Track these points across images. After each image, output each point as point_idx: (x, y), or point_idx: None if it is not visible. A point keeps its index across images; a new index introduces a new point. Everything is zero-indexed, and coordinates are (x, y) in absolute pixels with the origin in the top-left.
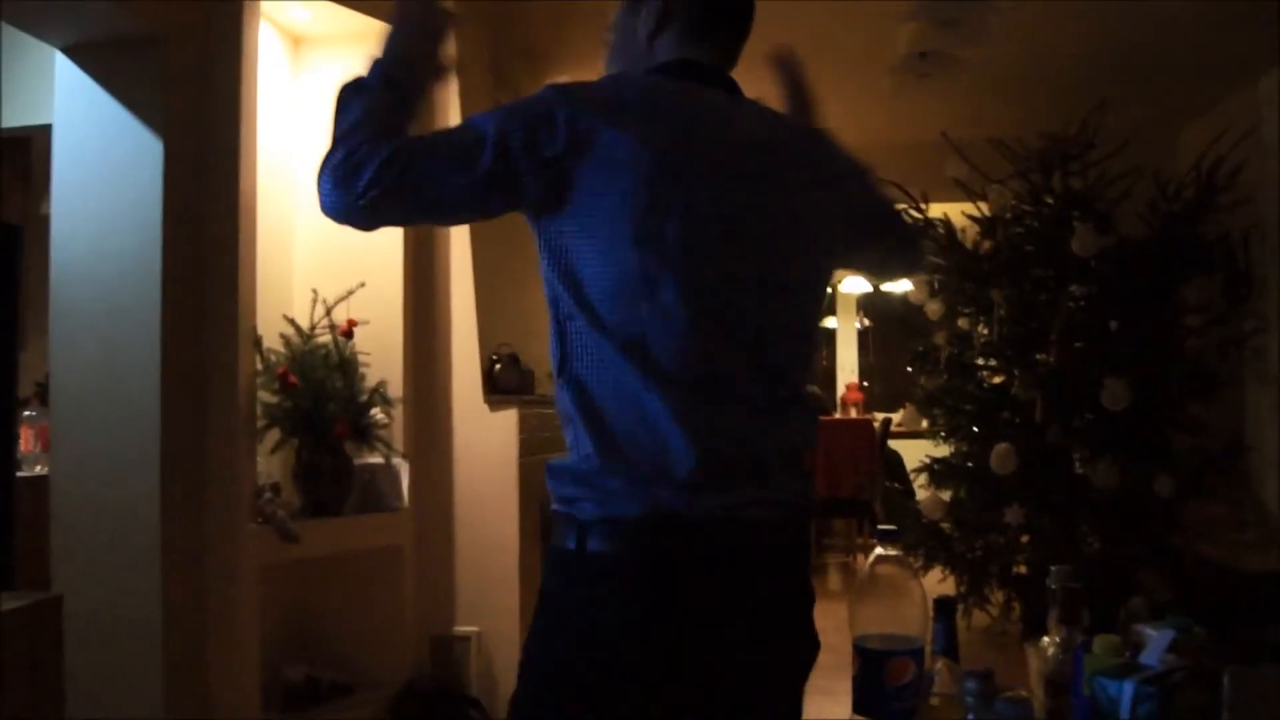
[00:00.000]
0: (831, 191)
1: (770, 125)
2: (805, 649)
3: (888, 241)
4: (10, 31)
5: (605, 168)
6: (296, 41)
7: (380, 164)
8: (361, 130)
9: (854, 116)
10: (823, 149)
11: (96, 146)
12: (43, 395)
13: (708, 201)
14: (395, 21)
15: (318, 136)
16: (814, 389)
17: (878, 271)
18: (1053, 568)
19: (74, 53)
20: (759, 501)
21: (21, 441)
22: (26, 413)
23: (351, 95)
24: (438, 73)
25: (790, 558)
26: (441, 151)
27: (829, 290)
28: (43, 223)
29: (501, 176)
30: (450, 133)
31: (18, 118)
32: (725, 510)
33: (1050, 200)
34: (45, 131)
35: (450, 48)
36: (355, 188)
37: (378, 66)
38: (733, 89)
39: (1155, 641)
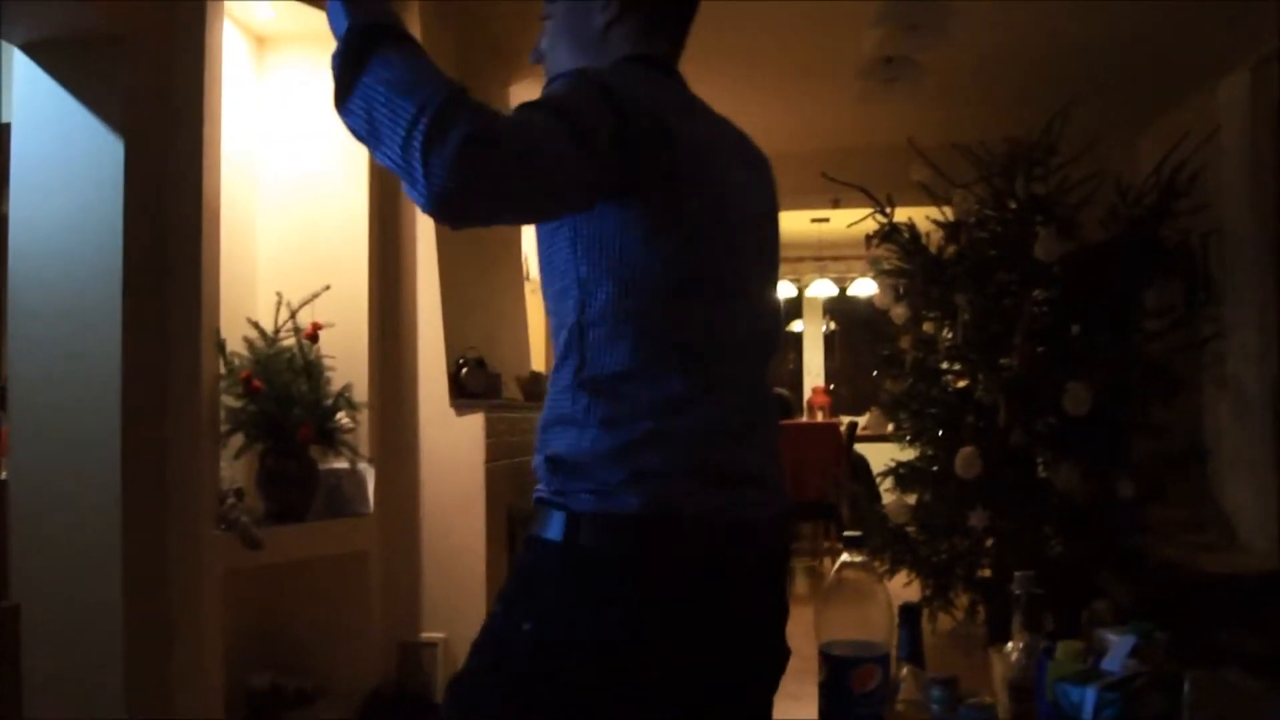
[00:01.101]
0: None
1: (740, 133)
2: (784, 655)
3: None
4: None
5: (674, 156)
6: (260, 41)
7: (506, 135)
8: (439, 87)
9: (821, 121)
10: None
11: (56, 146)
12: (0, 399)
13: (739, 203)
14: None
15: (281, 136)
16: (783, 391)
17: None
18: (1016, 573)
19: (33, 50)
20: (758, 501)
21: None
22: None
23: (388, 44)
24: None
25: (781, 559)
26: (569, 124)
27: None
28: (0, 222)
29: (621, 160)
30: (561, 101)
31: None
32: (728, 509)
33: (1013, 205)
34: (2, 130)
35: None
36: (480, 166)
37: (380, 17)
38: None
39: (1117, 647)
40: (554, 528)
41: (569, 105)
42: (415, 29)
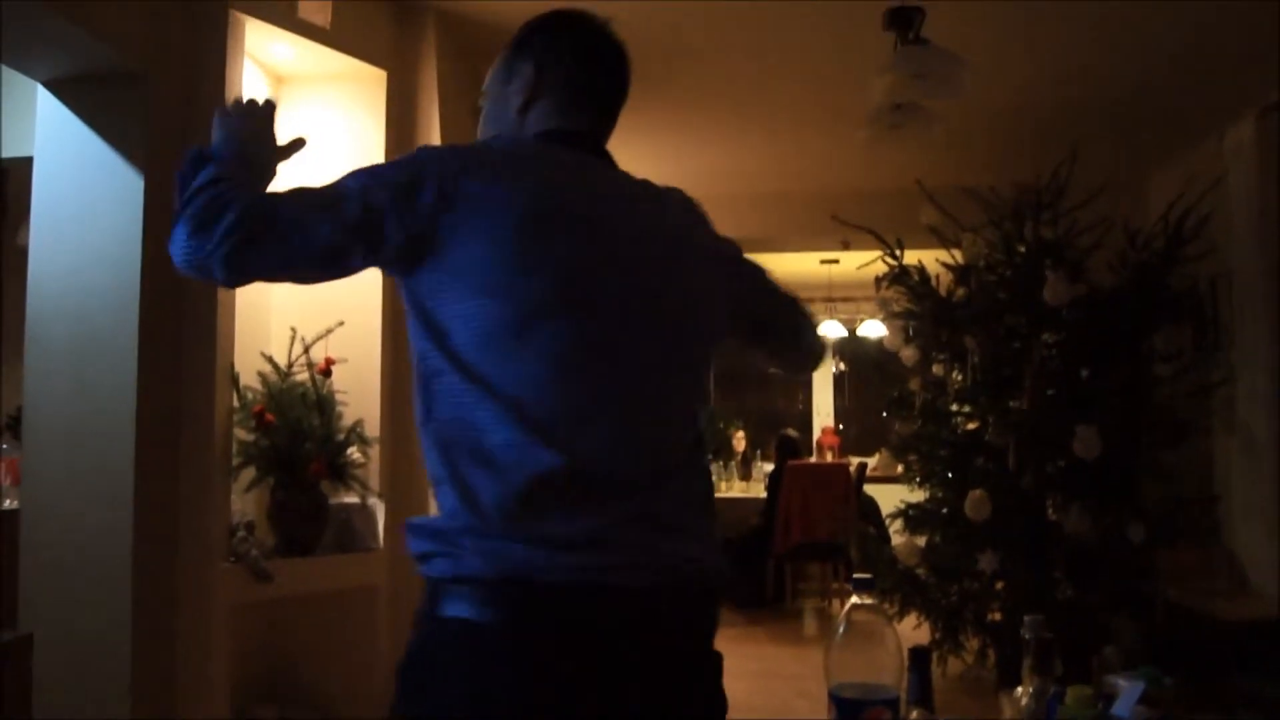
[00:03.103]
0: (707, 260)
1: (640, 190)
2: None
3: (775, 326)
4: None
5: (474, 218)
6: (279, 80)
7: (244, 208)
8: (220, 183)
9: (831, 164)
10: (695, 218)
11: (77, 180)
12: (14, 428)
13: (574, 254)
14: (220, 118)
15: (301, 175)
16: (791, 432)
17: (769, 358)
18: (1026, 617)
19: (56, 87)
20: (627, 566)
21: None
22: None
23: (200, 160)
24: (280, 149)
25: (677, 637)
26: (308, 200)
27: (709, 368)
28: (18, 254)
29: (365, 228)
30: (319, 187)
31: None
32: (585, 572)
33: (1022, 249)
34: (23, 164)
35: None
36: (215, 232)
37: (220, 143)
38: (603, 155)
39: (1127, 693)
40: (424, 597)
41: (311, 189)
42: (433, 67)
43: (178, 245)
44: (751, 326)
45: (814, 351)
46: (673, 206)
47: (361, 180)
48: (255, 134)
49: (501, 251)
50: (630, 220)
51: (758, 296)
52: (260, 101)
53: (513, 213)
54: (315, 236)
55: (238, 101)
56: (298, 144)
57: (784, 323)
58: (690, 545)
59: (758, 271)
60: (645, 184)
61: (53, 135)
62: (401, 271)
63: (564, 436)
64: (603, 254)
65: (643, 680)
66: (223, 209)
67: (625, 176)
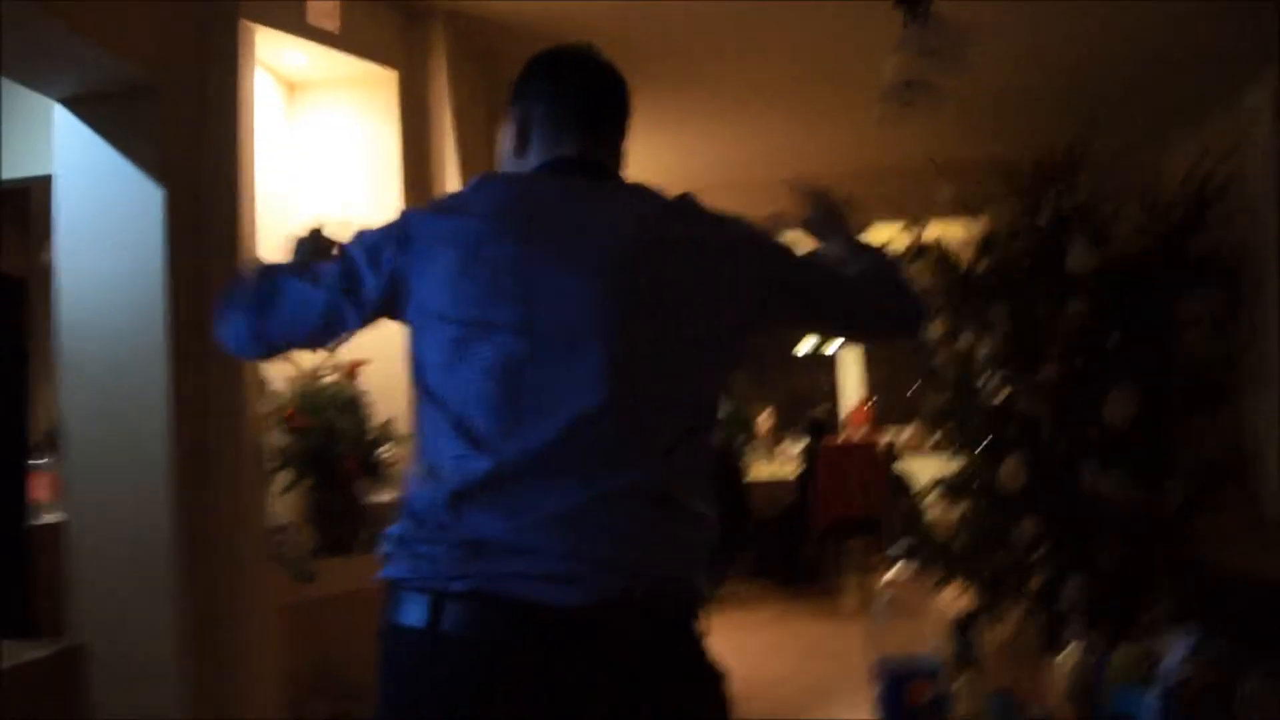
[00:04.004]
0: (705, 259)
1: (635, 204)
2: None
3: (834, 304)
4: (7, 84)
5: (427, 250)
6: (292, 87)
7: (260, 289)
8: (247, 279)
9: (848, 144)
10: (689, 220)
11: (98, 196)
12: (52, 443)
13: (512, 270)
14: (295, 244)
15: (314, 179)
16: (820, 413)
17: (861, 338)
18: (1069, 582)
19: (72, 104)
20: (541, 576)
21: (34, 489)
22: (37, 460)
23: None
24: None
25: (589, 648)
26: (306, 274)
27: (721, 364)
28: (43, 272)
29: (348, 286)
30: (320, 264)
31: (16, 169)
32: (493, 581)
33: (1045, 217)
34: (44, 183)
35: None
36: (240, 312)
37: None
38: (600, 174)
39: (1174, 652)
40: None
41: (312, 270)
42: (443, 67)
43: (216, 326)
44: (802, 311)
45: (900, 320)
46: (658, 212)
47: (348, 247)
48: (322, 254)
49: (447, 277)
50: (596, 231)
51: (796, 279)
52: (330, 232)
53: (456, 242)
54: (314, 303)
55: (314, 229)
56: None
57: (842, 300)
58: (624, 550)
59: (787, 255)
60: (631, 194)
61: (71, 153)
62: (395, 319)
63: (497, 445)
64: (549, 267)
65: (543, 697)
66: (243, 295)
67: (615, 190)
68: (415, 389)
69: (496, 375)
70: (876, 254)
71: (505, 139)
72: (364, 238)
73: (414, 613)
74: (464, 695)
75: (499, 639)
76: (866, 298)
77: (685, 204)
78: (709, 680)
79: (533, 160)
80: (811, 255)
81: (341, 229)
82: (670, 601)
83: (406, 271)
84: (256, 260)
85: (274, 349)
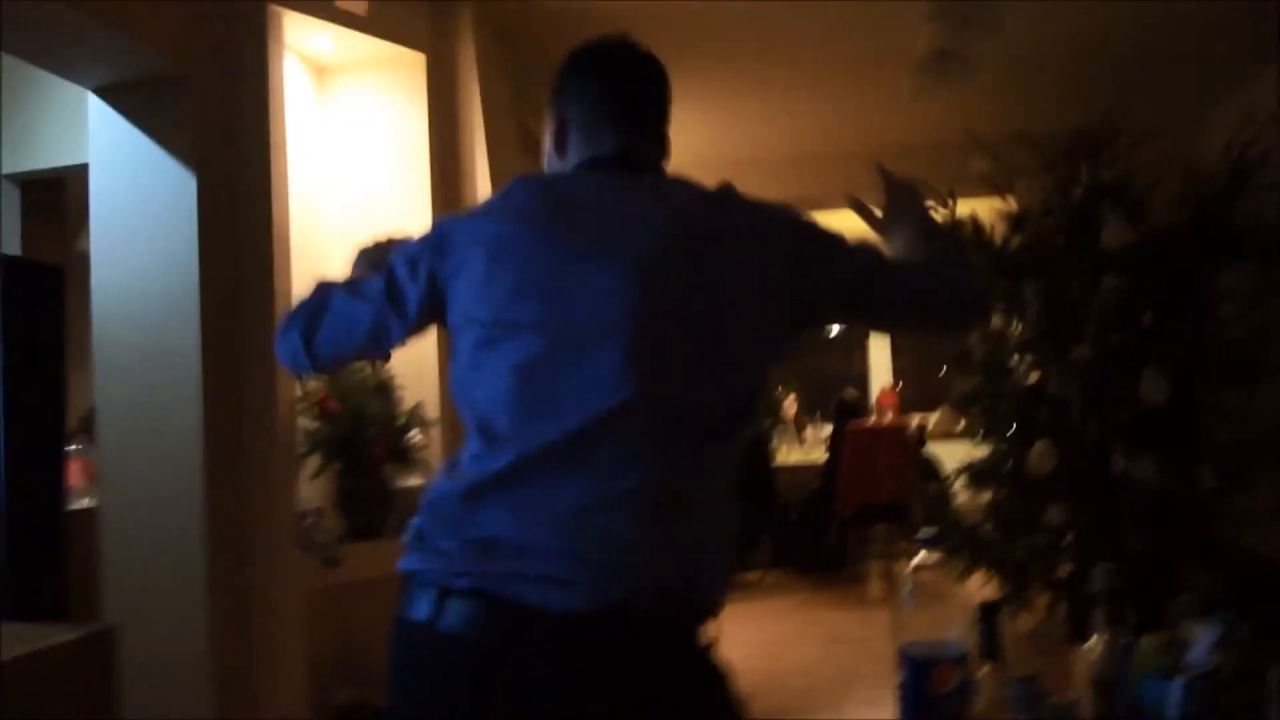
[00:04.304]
0: (753, 257)
1: (670, 197)
2: None
3: (883, 297)
4: (41, 75)
5: (462, 255)
6: (320, 70)
7: (311, 307)
8: (304, 298)
9: (877, 119)
10: (741, 215)
11: (132, 184)
12: (87, 429)
13: (537, 268)
14: (358, 254)
15: (344, 162)
16: (850, 393)
17: (911, 331)
18: (1097, 568)
19: (105, 93)
20: (541, 579)
21: (70, 475)
22: (73, 446)
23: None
24: None
25: (597, 661)
26: (354, 290)
27: (758, 360)
28: (80, 260)
29: (392, 298)
30: (367, 278)
31: (51, 159)
32: (493, 580)
33: (1079, 192)
34: (79, 171)
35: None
36: (294, 330)
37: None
38: (637, 168)
39: (1202, 639)
40: None
41: (359, 285)
42: (470, 49)
43: (276, 346)
44: (846, 302)
45: (953, 315)
46: (693, 204)
47: (390, 259)
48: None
49: (476, 280)
50: (626, 227)
51: (840, 268)
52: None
53: (485, 244)
54: (361, 317)
55: (377, 240)
56: None
57: (891, 291)
58: (630, 555)
59: (832, 243)
60: (667, 187)
61: (106, 142)
62: (440, 325)
63: (512, 442)
64: (574, 262)
65: (538, 701)
66: (297, 314)
67: (651, 184)
68: (451, 391)
69: (517, 373)
70: (943, 244)
71: (548, 139)
72: (405, 249)
73: (421, 607)
74: (462, 692)
75: (494, 639)
76: (918, 290)
77: (723, 194)
78: (708, 691)
79: (572, 159)
80: (861, 243)
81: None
82: (673, 611)
83: (444, 278)
84: (317, 278)
85: (325, 364)
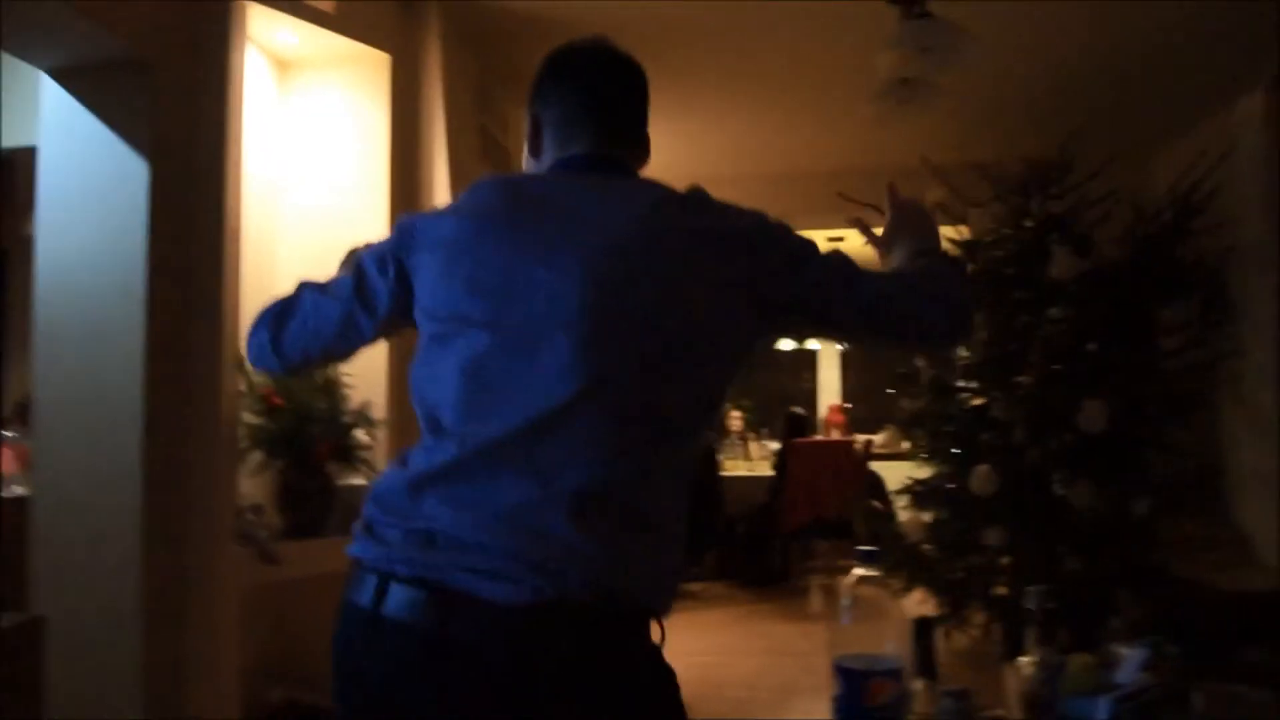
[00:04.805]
0: (715, 259)
1: (634, 197)
2: None
3: (860, 313)
4: None
5: (425, 252)
6: (284, 66)
7: (281, 304)
8: (278, 299)
9: (837, 142)
10: (707, 217)
11: (82, 168)
12: (23, 416)
13: (491, 267)
14: (347, 256)
15: (304, 159)
16: (798, 410)
17: (881, 346)
18: (1029, 589)
19: (61, 75)
20: (485, 571)
21: (2, 462)
22: (7, 433)
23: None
24: None
25: (535, 653)
26: (324, 287)
27: (714, 363)
28: (25, 244)
29: (360, 293)
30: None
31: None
32: (437, 570)
33: (1029, 224)
34: (28, 153)
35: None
36: (262, 327)
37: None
38: (608, 170)
39: (1129, 661)
40: None
41: (329, 283)
42: (436, 52)
43: (245, 344)
44: (811, 310)
45: (926, 334)
46: (658, 204)
47: (360, 257)
48: None
49: (434, 277)
50: (583, 226)
51: (808, 274)
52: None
53: (445, 242)
54: (330, 314)
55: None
56: None
57: (861, 302)
58: (565, 556)
59: (801, 249)
60: (633, 187)
61: (58, 124)
62: (409, 324)
63: (457, 438)
64: (527, 261)
65: (475, 688)
66: (267, 311)
67: (618, 185)
68: (410, 386)
69: (464, 370)
70: (934, 263)
71: (526, 141)
72: (375, 247)
73: (365, 592)
74: (402, 676)
75: (435, 626)
76: (890, 304)
77: (692, 197)
78: (655, 690)
79: (547, 160)
80: (834, 253)
81: None
82: (617, 609)
83: (410, 275)
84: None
85: (293, 362)
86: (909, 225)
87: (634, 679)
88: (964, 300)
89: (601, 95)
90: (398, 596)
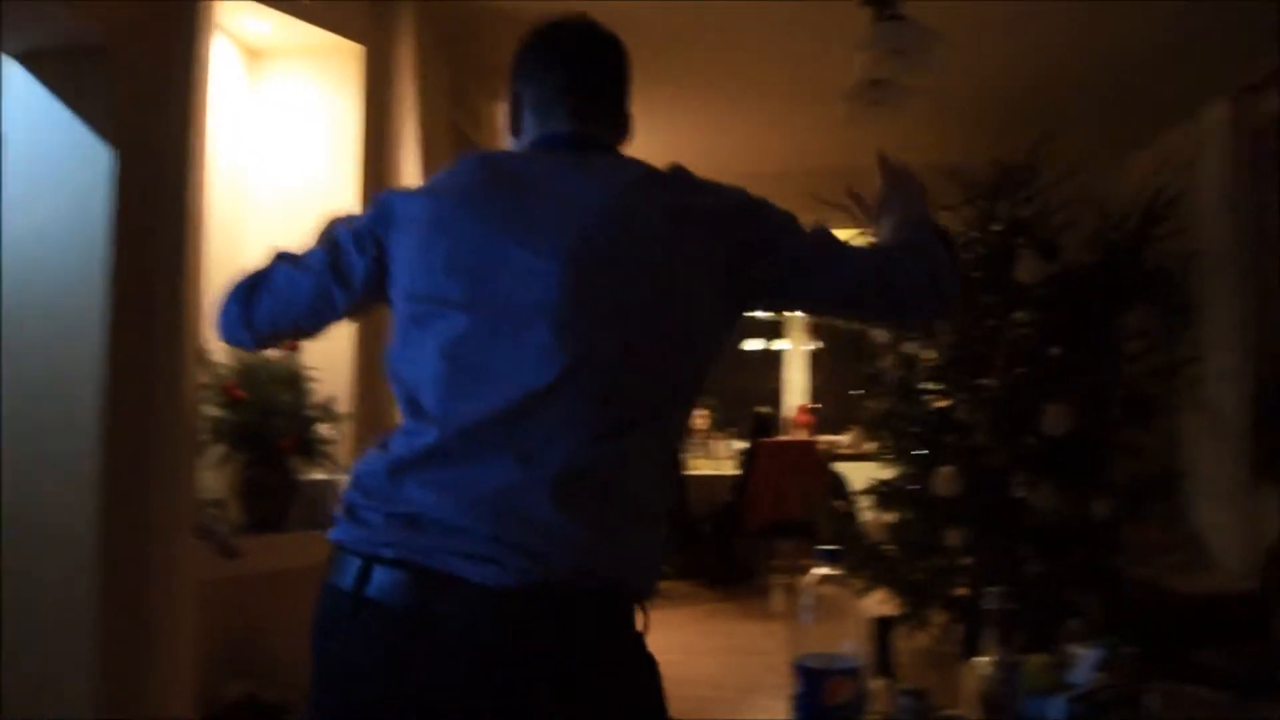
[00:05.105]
0: (695, 235)
1: (613, 174)
2: None
3: (838, 285)
4: None
5: (403, 230)
6: (253, 54)
7: (252, 277)
8: (252, 272)
9: (807, 142)
10: (687, 194)
11: (46, 155)
12: None
13: (470, 246)
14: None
15: (273, 150)
16: (764, 410)
17: (861, 319)
18: (988, 589)
19: (25, 60)
20: (464, 555)
21: None
22: None
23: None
24: None
25: (519, 634)
26: (296, 260)
27: (696, 342)
28: None
29: (335, 266)
30: (313, 247)
31: None
32: (421, 554)
33: (997, 227)
34: None
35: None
36: (232, 301)
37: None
38: (587, 147)
39: (1084, 661)
40: None
41: (302, 256)
42: (410, 46)
43: (215, 318)
44: (789, 283)
45: (904, 306)
46: (637, 182)
47: (335, 230)
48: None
49: (412, 256)
50: (562, 204)
51: (786, 248)
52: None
53: (423, 220)
54: (301, 290)
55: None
56: None
57: (839, 274)
58: (550, 538)
59: (779, 222)
60: (612, 165)
61: (21, 109)
62: (383, 302)
63: (439, 421)
64: (506, 242)
65: (458, 669)
66: (239, 285)
67: (597, 162)
68: (386, 369)
69: (443, 352)
70: (919, 234)
71: (507, 119)
72: (351, 220)
73: (347, 575)
74: (382, 659)
75: (418, 607)
76: (870, 280)
77: (672, 174)
78: (637, 675)
79: (527, 138)
80: (816, 227)
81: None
82: (602, 592)
83: (388, 252)
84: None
85: (264, 336)
86: (900, 192)
87: (619, 662)
88: (946, 273)
89: (582, 73)
90: (381, 579)
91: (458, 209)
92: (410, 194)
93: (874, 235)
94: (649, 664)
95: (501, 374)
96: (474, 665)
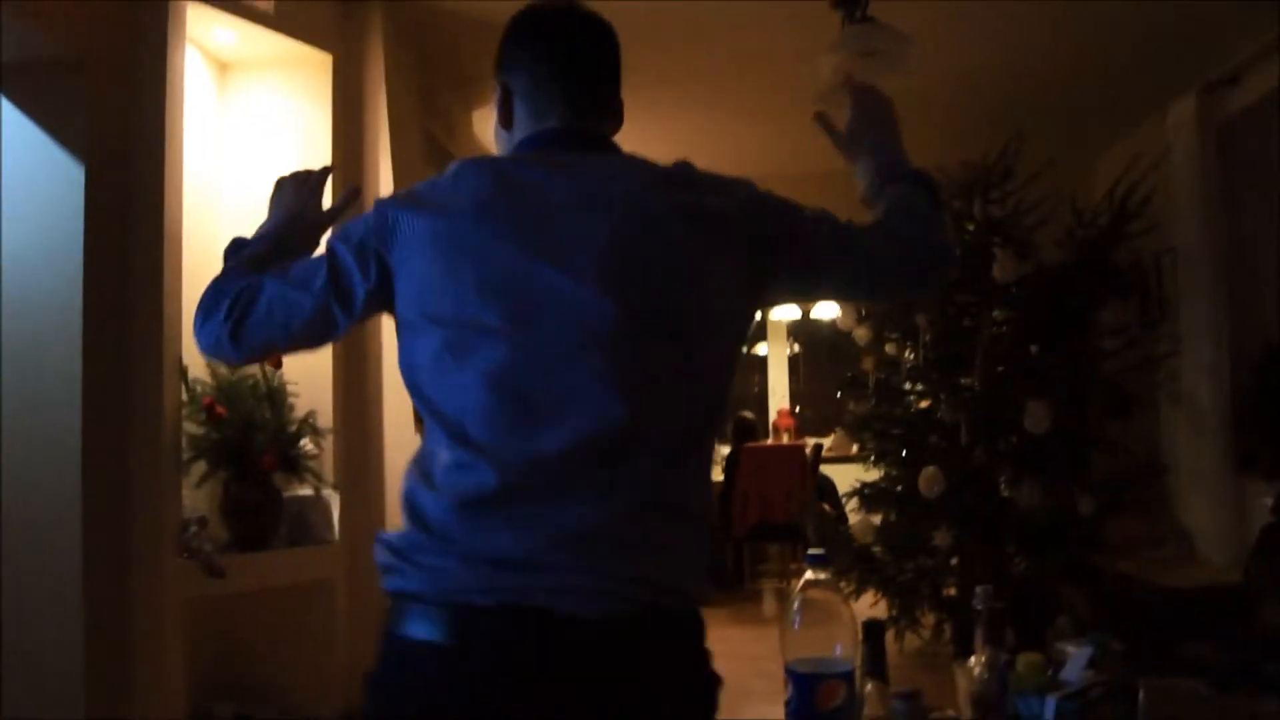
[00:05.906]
0: (714, 235)
1: (625, 179)
2: None
3: (852, 272)
4: None
5: (413, 248)
6: (223, 67)
7: (236, 293)
8: (229, 273)
9: (782, 146)
10: (699, 193)
11: (16, 170)
12: None
13: (501, 271)
14: (276, 189)
15: (244, 162)
16: (747, 414)
17: (874, 299)
18: (977, 589)
19: None
20: (557, 589)
21: None
22: None
23: (232, 250)
24: (330, 211)
25: (609, 660)
26: (289, 275)
27: (729, 347)
28: None
29: (335, 287)
30: (302, 260)
31: None
32: (517, 594)
33: (971, 227)
34: None
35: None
36: (215, 318)
37: (267, 220)
38: (586, 145)
39: (1075, 659)
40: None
41: (296, 264)
42: (379, 53)
43: (195, 331)
44: (805, 273)
45: (916, 280)
46: (650, 185)
47: (333, 245)
48: (304, 203)
49: (434, 278)
50: (585, 218)
51: (801, 239)
52: (316, 169)
53: (440, 241)
54: (298, 309)
55: (295, 173)
56: (352, 196)
57: (852, 261)
58: (644, 564)
59: (791, 212)
60: (621, 167)
61: None
62: (388, 313)
63: (498, 454)
64: (539, 264)
65: (577, 713)
66: (220, 297)
67: (604, 165)
68: (410, 393)
69: (489, 382)
70: (908, 186)
71: (496, 112)
72: (349, 234)
73: (426, 628)
74: (487, 710)
75: (530, 651)
76: (880, 256)
77: (681, 172)
78: (710, 692)
79: (519, 133)
80: (820, 214)
81: (321, 176)
82: (688, 614)
83: (394, 270)
84: (232, 239)
85: (254, 352)
86: (871, 120)
87: (709, 675)
88: (946, 238)
89: (574, 61)
90: (482, 626)
91: (478, 228)
92: (414, 209)
93: (850, 163)
94: (717, 684)
95: (561, 410)
96: (587, 701)
